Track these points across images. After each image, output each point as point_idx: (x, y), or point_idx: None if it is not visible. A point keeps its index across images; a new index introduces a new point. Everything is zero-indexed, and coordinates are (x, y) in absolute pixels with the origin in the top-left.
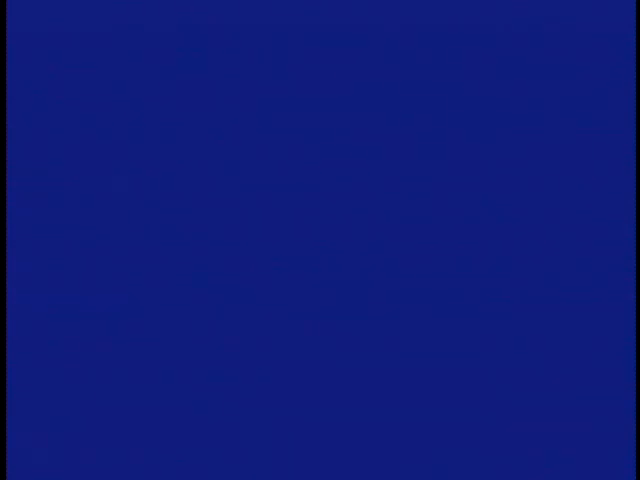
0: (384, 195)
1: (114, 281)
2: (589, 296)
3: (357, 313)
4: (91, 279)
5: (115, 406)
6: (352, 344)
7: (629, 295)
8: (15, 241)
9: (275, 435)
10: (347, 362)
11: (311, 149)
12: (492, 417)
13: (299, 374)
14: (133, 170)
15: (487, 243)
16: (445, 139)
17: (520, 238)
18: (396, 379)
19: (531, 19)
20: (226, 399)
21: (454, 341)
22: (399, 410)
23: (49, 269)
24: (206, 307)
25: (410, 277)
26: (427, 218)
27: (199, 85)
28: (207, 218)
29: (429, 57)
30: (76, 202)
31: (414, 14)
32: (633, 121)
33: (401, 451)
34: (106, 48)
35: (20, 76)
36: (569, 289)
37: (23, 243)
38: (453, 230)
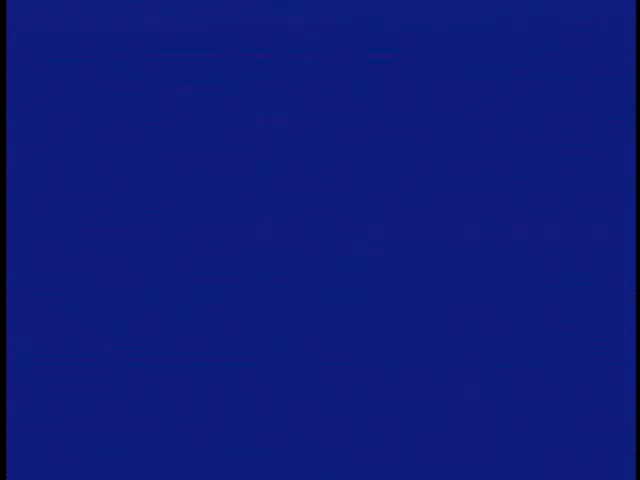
0: (384, 195)
1: (114, 281)
2: (589, 295)
3: (357, 314)
4: (91, 279)
5: (115, 406)
6: (352, 344)
7: (629, 294)
8: (15, 241)
9: (274, 435)
10: (347, 362)
11: (311, 150)
12: (492, 417)
13: (299, 374)
14: (133, 170)
15: (487, 244)
16: (444, 139)
17: (520, 238)
18: (396, 379)
19: (531, 18)
20: (226, 400)
21: (454, 340)
22: (399, 410)
23: (49, 269)
24: (206, 307)
25: (409, 276)
26: (426, 217)
27: (200, 85)
28: (207, 219)
29: (428, 56)
30: (76, 202)
31: (413, 13)
32: (633, 121)
33: (401, 452)
34: (106, 48)
35: (20, 76)
36: (569, 289)
37: (23, 243)
38: (453, 230)
